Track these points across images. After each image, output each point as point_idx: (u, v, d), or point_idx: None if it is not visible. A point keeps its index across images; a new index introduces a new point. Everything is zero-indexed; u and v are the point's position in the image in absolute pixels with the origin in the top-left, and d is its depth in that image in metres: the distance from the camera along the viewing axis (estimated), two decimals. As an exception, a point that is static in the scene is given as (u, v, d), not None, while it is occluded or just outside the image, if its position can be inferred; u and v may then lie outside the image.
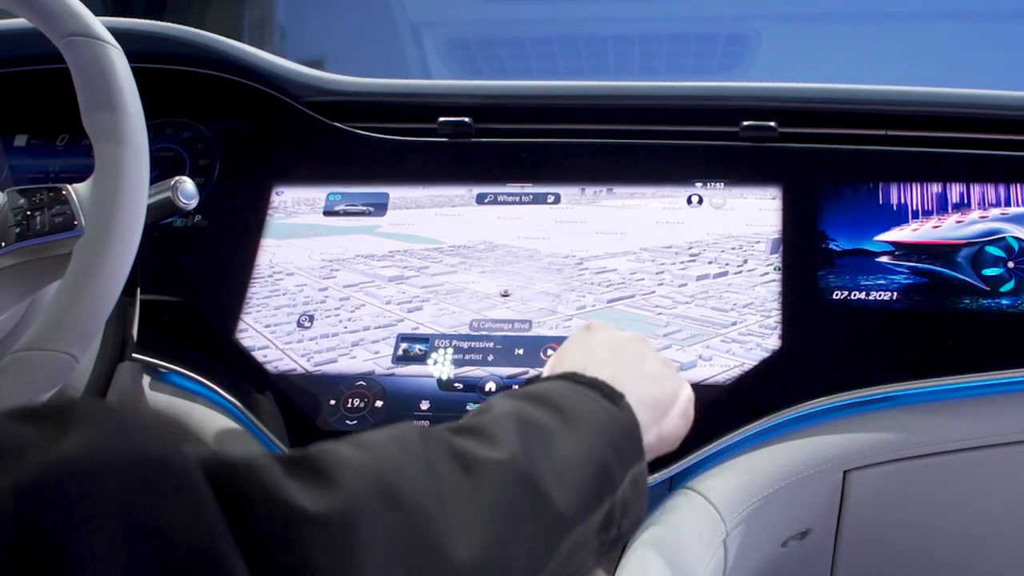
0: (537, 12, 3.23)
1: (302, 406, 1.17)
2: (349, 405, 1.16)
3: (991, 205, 1.21)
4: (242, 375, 1.21)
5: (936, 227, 1.20)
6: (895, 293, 1.16)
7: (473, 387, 1.16)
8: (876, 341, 1.14)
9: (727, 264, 1.21)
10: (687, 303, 1.18)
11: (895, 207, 1.22)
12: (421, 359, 1.19)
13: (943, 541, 1.24)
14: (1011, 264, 1.17)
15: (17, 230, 1.05)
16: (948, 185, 1.23)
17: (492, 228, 1.28)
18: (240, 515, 0.54)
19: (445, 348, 1.19)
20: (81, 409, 0.53)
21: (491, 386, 1.16)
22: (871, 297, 1.16)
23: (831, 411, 1.11)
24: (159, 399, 1.23)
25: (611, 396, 0.85)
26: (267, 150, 1.38)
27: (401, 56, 3.08)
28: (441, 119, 1.35)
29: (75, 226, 1.03)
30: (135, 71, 1.07)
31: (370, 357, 1.19)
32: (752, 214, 1.24)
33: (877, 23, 3.00)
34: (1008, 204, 1.21)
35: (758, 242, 1.22)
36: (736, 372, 1.13)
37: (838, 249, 1.20)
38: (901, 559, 1.25)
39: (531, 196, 1.29)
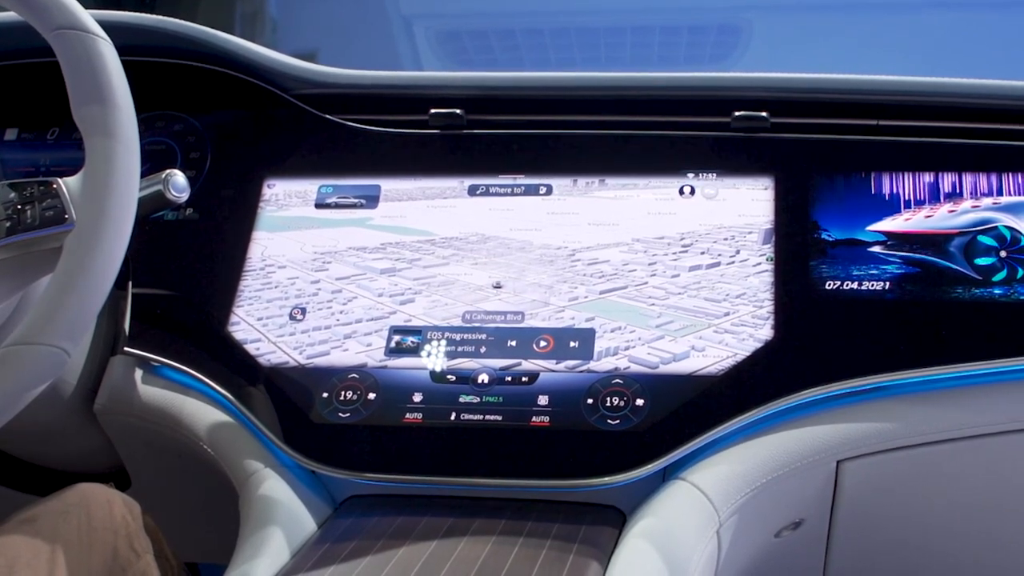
0: (528, 3, 3.22)
1: (295, 399, 1.17)
2: (342, 398, 1.16)
3: (983, 194, 1.21)
4: (234, 368, 1.20)
5: (928, 217, 1.20)
6: (887, 283, 1.16)
7: (466, 379, 1.16)
8: (869, 331, 1.14)
9: (720, 255, 1.21)
10: (680, 294, 1.18)
11: (887, 197, 1.22)
12: (414, 351, 1.19)
13: (936, 530, 1.24)
14: (1003, 253, 1.17)
15: (8, 224, 1.05)
16: (940, 175, 1.23)
17: (484, 220, 1.28)
18: None
19: (438, 340, 1.19)
20: None
21: (484, 378, 1.16)
22: (864, 287, 1.16)
23: (824, 401, 1.12)
24: (151, 393, 1.23)
25: None
26: (258, 143, 1.38)
27: (393, 48, 3.08)
28: (433, 111, 1.35)
29: (66, 220, 1.03)
30: (125, 64, 1.07)
31: (362, 350, 1.19)
32: (744, 204, 1.24)
33: (868, 12, 3.00)
34: (1000, 193, 1.21)
35: (750, 232, 1.22)
36: (729, 363, 1.13)
37: (830, 239, 1.20)
38: (894, 548, 1.25)
39: (523, 187, 1.29)
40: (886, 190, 1.22)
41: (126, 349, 1.25)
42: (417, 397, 1.16)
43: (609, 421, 1.11)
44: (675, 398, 1.11)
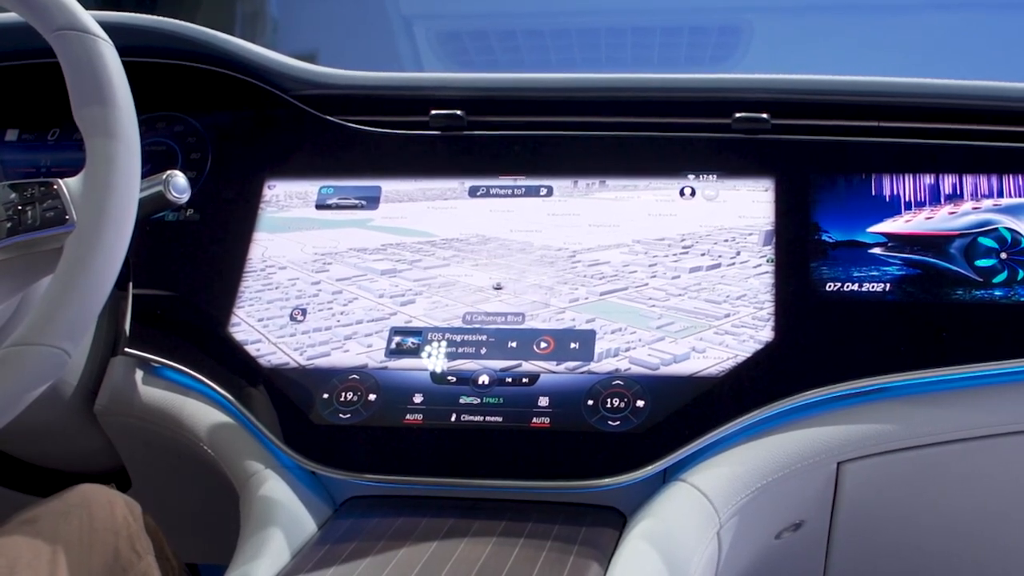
0: (529, 4, 3.23)
1: (295, 400, 1.17)
2: (342, 399, 1.16)
3: (984, 196, 1.21)
4: (235, 369, 1.20)
5: (929, 218, 1.20)
6: (888, 284, 1.16)
7: (466, 380, 1.16)
8: (869, 333, 1.14)
9: (720, 256, 1.21)
10: (680, 295, 1.18)
11: (888, 198, 1.22)
12: (414, 352, 1.19)
13: (936, 532, 1.24)
14: (1004, 255, 1.17)
15: (8, 225, 1.05)
16: (941, 176, 1.23)
17: (485, 221, 1.28)
18: None
19: (438, 341, 1.19)
20: None
21: (484, 379, 1.16)
22: (864, 289, 1.16)
23: (824, 403, 1.12)
24: (151, 394, 1.23)
25: None
26: (259, 144, 1.38)
27: (393, 49, 3.08)
28: (433, 112, 1.35)
29: (66, 220, 1.03)
30: (126, 65, 1.07)
31: (363, 351, 1.19)
32: (745, 206, 1.24)
33: (869, 14, 3.00)
34: (1001, 195, 1.21)
35: (751, 234, 1.22)
36: (729, 364, 1.13)
37: (831, 241, 1.20)
38: (895, 550, 1.25)
39: (524, 189, 1.29)
40: (887, 192, 1.22)
41: (126, 350, 1.25)
42: (417, 398, 1.16)
43: (609, 422, 1.11)
44: (676, 399, 1.11)
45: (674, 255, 1.22)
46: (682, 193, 1.26)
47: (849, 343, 1.13)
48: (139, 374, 1.25)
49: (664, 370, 1.13)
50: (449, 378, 1.17)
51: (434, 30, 3.18)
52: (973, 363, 1.12)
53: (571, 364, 1.15)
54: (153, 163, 1.36)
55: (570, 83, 1.37)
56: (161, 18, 1.41)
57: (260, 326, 1.23)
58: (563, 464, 1.10)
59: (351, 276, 1.26)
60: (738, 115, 1.29)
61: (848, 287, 1.17)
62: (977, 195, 1.21)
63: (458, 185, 1.31)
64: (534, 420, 1.13)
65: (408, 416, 1.14)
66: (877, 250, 1.19)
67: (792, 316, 1.15)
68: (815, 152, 1.26)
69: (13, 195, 1.07)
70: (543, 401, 1.14)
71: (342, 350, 1.20)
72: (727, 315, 1.16)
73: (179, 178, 1.16)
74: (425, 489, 1.12)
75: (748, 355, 1.13)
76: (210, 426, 1.19)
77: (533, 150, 1.32)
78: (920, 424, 1.12)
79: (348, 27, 3.07)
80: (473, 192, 1.30)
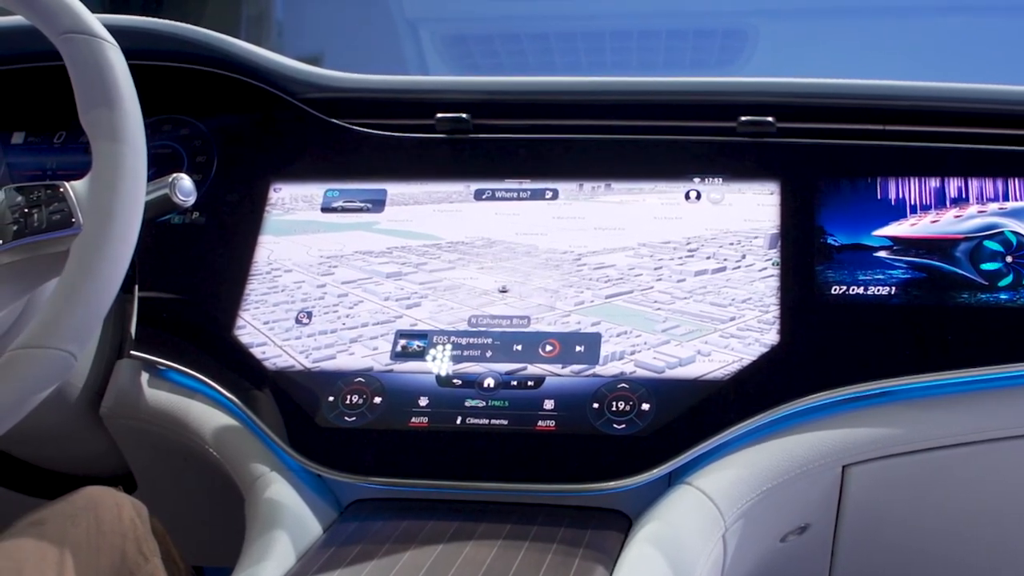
0: (535, 8, 3.23)
1: (300, 403, 1.17)
2: (347, 402, 1.16)
3: (989, 200, 1.21)
4: (240, 372, 1.21)
5: (934, 222, 1.20)
6: (893, 288, 1.16)
7: (472, 383, 1.16)
8: (874, 336, 1.14)
9: (725, 259, 1.21)
10: (685, 298, 1.18)
11: (893, 202, 1.22)
12: (419, 355, 1.19)
13: (941, 535, 1.24)
14: (1009, 259, 1.17)
15: (15, 227, 1.05)
16: (946, 180, 1.23)
17: (490, 224, 1.28)
18: None
19: (443, 344, 1.19)
20: None
21: (489, 382, 1.16)
22: (869, 292, 1.16)
23: (830, 406, 1.12)
24: (157, 396, 1.23)
25: None
26: (265, 147, 1.38)
27: (398, 52, 3.08)
28: (439, 115, 1.35)
29: (73, 223, 1.03)
30: (132, 68, 1.07)
31: (368, 354, 1.19)
32: (750, 209, 1.24)
33: (875, 17, 3.00)
34: (1006, 199, 1.21)
35: (756, 237, 1.22)
36: (735, 367, 1.13)
37: (836, 244, 1.20)
38: (900, 553, 1.25)
39: (529, 192, 1.29)
40: (892, 195, 1.22)
41: (132, 353, 1.25)
42: (423, 401, 1.16)
43: (615, 425, 1.11)
44: (681, 403, 1.11)
45: (679, 258, 1.22)
46: (687, 196, 1.26)
47: (854, 346, 1.13)
48: (145, 377, 1.25)
49: (669, 373, 1.13)
50: (454, 381, 1.17)
51: (439, 33, 3.18)
52: (978, 367, 1.12)
53: (576, 367, 1.16)
54: (159, 166, 1.37)
55: (575, 86, 1.37)
56: (167, 21, 1.41)
57: (266, 329, 1.23)
58: (568, 467, 1.10)
59: (357, 279, 1.26)
60: (743, 118, 1.29)
61: (853, 290, 1.17)
62: (982, 198, 1.21)
63: (463, 188, 1.31)
64: (539, 423, 1.13)
65: (413, 419, 1.15)
66: (882, 253, 1.19)
67: (797, 319, 1.15)
68: (820, 155, 1.26)
69: (19, 198, 1.07)
70: (548, 404, 1.14)
71: (347, 353, 1.20)
72: (732, 318, 1.16)
73: (185, 181, 1.16)
74: (430, 492, 1.13)
75: (753, 358, 1.13)
76: (216, 429, 1.19)
77: (538, 153, 1.32)
78: (925, 428, 1.12)
79: (353, 30, 3.07)
80: (479, 195, 1.30)
